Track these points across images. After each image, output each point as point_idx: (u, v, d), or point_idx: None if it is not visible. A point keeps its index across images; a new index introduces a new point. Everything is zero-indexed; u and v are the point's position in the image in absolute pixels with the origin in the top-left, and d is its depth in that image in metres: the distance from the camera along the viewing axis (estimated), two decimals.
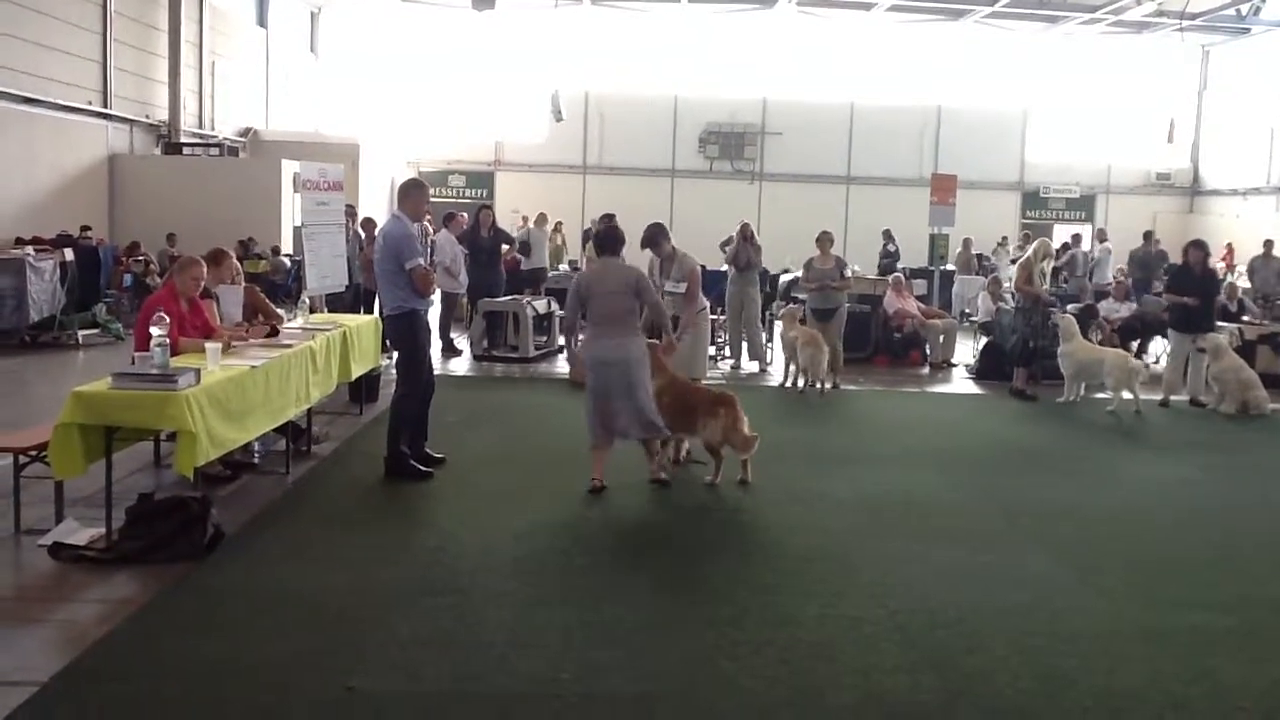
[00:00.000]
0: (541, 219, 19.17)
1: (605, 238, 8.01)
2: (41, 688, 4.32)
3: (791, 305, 12.93)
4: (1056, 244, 21.41)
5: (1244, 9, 29.84)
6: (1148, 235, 20.86)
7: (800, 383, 12.26)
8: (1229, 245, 28.00)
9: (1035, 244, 12.80)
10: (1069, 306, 15.58)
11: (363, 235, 14.80)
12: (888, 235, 24.86)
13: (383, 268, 7.68)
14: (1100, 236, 25.30)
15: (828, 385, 12.26)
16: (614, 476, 7.79)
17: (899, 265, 21.68)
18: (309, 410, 8.26)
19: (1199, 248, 12.72)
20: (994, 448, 9.81)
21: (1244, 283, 19.70)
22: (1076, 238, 22.33)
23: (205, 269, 7.77)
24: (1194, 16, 29.32)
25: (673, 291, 9.55)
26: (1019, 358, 12.56)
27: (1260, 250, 20.17)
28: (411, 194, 7.83)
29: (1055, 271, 13.53)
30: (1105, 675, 4.76)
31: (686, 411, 7.94)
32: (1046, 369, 12.68)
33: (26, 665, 4.54)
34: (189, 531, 5.87)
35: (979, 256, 23.61)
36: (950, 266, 21.16)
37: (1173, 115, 32.64)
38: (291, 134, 27.65)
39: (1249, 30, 31.29)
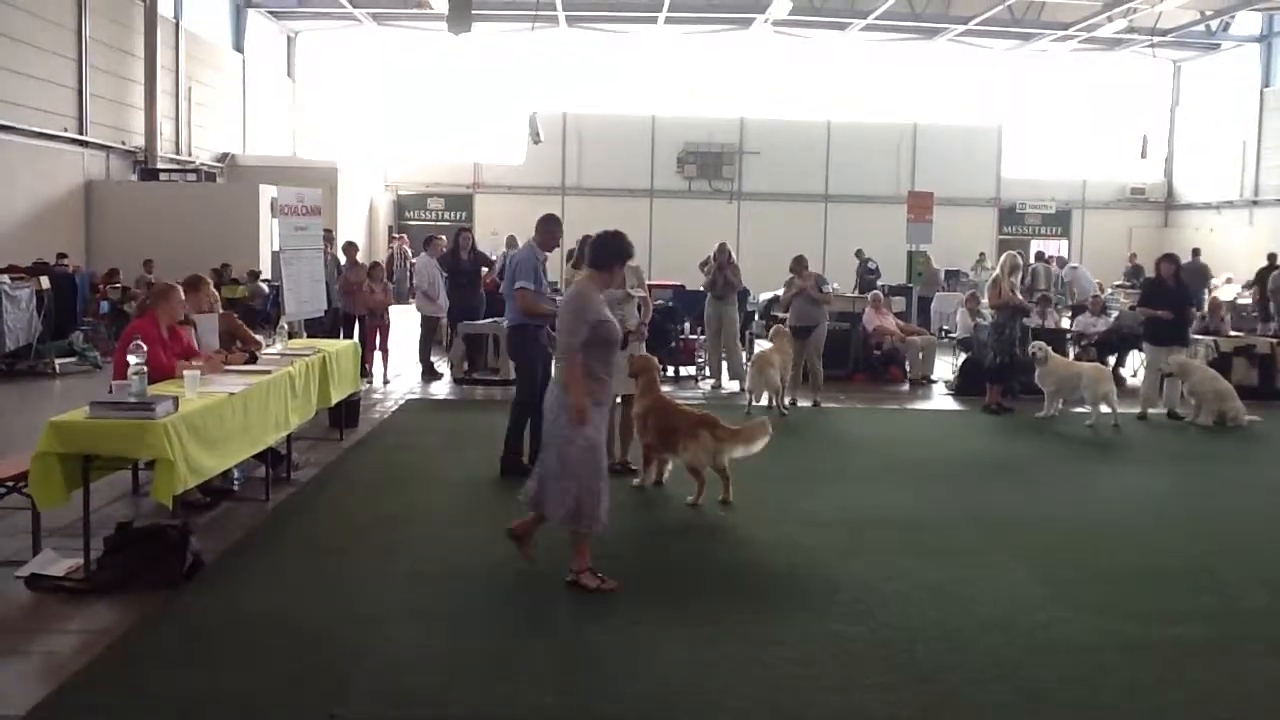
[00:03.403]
0: (511, 242, 19.00)
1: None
2: None
3: (779, 325, 12.97)
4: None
5: (1214, 25, 30.25)
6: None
7: (772, 402, 12.11)
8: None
9: (1004, 258, 12.90)
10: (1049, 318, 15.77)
11: (342, 260, 14.79)
12: (861, 255, 24.98)
13: (506, 287, 8.85)
14: (1059, 262, 25.49)
15: (787, 402, 12.27)
16: None
17: (879, 283, 21.79)
18: (289, 436, 8.23)
19: (1171, 261, 12.86)
20: (973, 463, 9.86)
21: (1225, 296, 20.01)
22: (1039, 254, 22.58)
23: (184, 294, 7.77)
24: (1165, 33, 29.72)
25: (640, 295, 9.35)
26: (992, 375, 12.64)
27: (1265, 263, 20.55)
28: (540, 227, 8.67)
29: (1028, 289, 13.69)
30: (1085, 688, 4.78)
31: (668, 432, 7.97)
32: (1025, 383, 12.78)
33: (5, 697, 4.50)
34: (168, 560, 5.84)
35: (952, 273, 23.77)
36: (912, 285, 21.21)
37: (1146, 130, 33.03)
38: (269, 159, 27.71)
39: (1219, 46, 31.73)
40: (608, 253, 6.10)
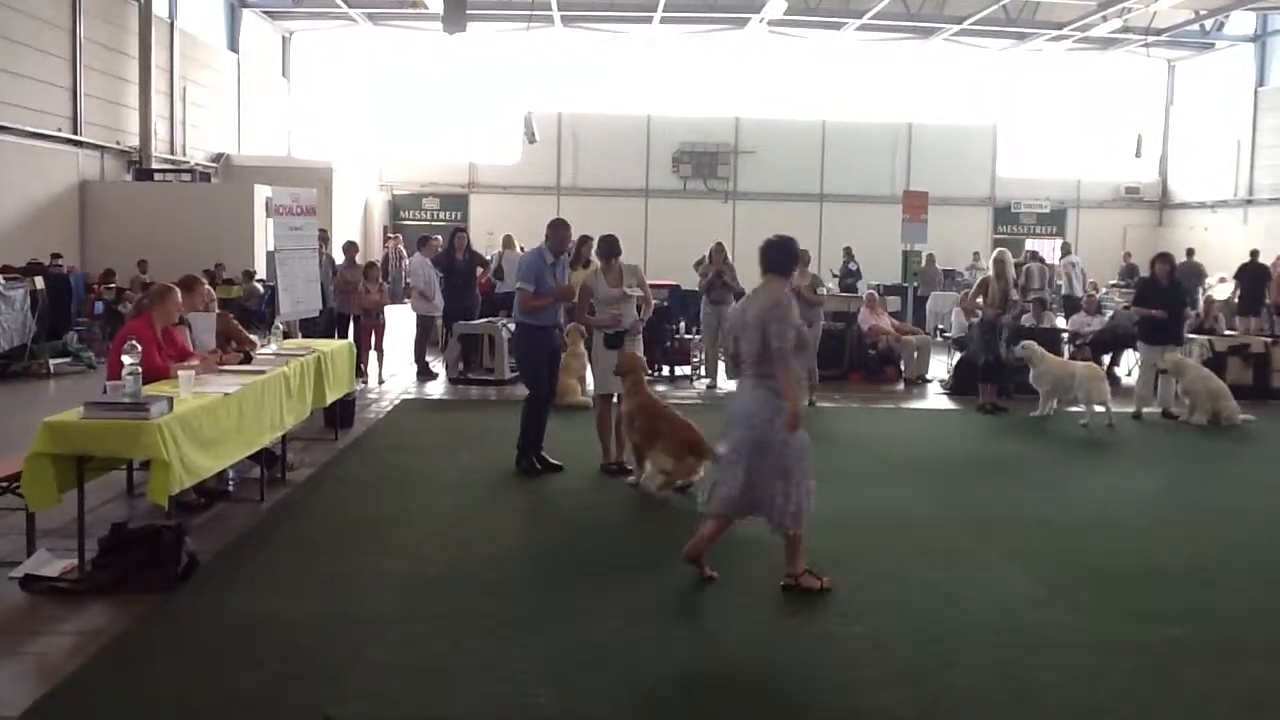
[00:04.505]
0: (508, 242, 18.92)
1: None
2: None
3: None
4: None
5: (1208, 25, 30.29)
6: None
7: None
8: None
9: (994, 255, 12.90)
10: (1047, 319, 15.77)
11: (339, 260, 14.75)
12: (848, 253, 24.99)
13: (514, 285, 9.17)
14: (1064, 250, 25.47)
15: None
16: (588, 496, 7.77)
17: (859, 283, 21.77)
18: (284, 437, 8.22)
19: (1165, 260, 12.88)
20: (969, 463, 9.87)
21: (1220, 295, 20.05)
22: (1033, 254, 22.63)
23: (181, 296, 7.76)
24: (1159, 32, 29.75)
25: (639, 294, 9.27)
26: (983, 374, 12.65)
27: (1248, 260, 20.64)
28: (549, 231, 8.83)
29: (1023, 289, 13.70)
30: (1082, 688, 4.78)
31: (653, 435, 7.99)
32: (1019, 383, 12.79)
33: None
34: (163, 561, 5.82)
35: (947, 272, 23.74)
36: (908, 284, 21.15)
37: (1140, 130, 33.04)
38: (264, 159, 27.65)
39: (1213, 45, 31.78)
40: (784, 256, 6.22)
